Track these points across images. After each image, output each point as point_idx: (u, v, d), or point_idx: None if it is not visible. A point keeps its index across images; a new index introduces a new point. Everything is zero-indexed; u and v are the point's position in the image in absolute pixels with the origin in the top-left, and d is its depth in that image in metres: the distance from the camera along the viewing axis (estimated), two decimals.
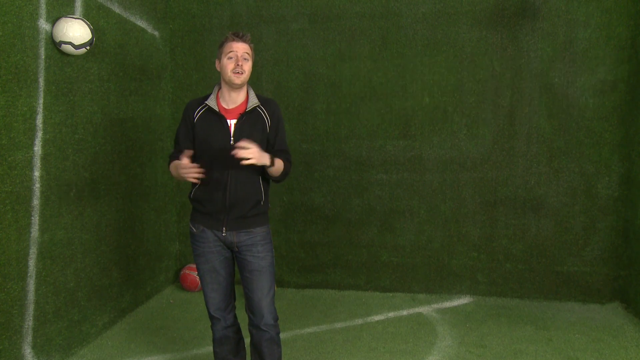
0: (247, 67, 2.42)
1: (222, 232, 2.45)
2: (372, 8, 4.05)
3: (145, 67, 3.95)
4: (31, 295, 2.87)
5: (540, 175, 3.96)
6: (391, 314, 3.80)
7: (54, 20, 2.97)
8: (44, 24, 2.91)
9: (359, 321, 3.69)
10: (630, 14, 3.73)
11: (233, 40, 2.41)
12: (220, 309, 2.57)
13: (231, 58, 2.39)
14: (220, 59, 2.44)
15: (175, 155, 2.48)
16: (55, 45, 2.98)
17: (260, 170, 2.46)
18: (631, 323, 3.61)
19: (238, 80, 2.39)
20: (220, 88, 2.50)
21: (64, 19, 2.98)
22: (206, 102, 2.45)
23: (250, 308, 2.51)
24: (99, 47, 3.38)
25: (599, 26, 3.78)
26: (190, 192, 2.51)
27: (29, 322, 2.85)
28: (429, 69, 4.02)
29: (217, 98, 2.48)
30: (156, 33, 4.12)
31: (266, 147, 2.47)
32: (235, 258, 2.55)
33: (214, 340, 2.65)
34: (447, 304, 3.99)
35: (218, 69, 2.46)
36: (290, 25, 4.16)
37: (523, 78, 3.92)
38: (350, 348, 3.28)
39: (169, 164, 2.59)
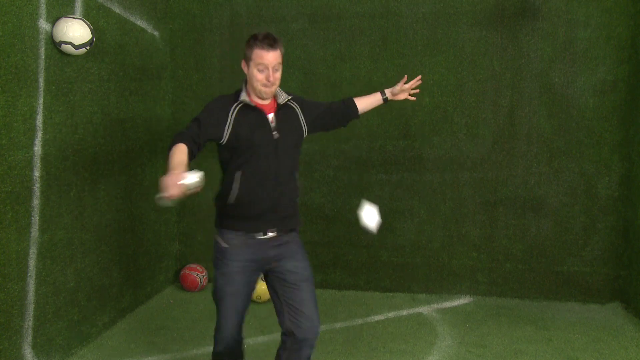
0: (278, 76, 2.29)
1: (267, 234, 2.30)
2: (372, 8, 4.05)
3: (145, 67, 3.95)
4: (31, 295, 2.86)
5: (540, 175, 3.96)
6: (391, 314, 3.80)
7: (54, 20, 2.97)
8: (44, 24, 2.91)
9: (359, 321, 3.69)
10: (630, 14, 3.73)
11: (263, 49, 2.23)
12: (232, 333, 2.41)
13: (262, 71, 2.25)
14: (248, 65, 2.29)
15: (186, 138, 2.20)
16: (55, 45, 2.98)
17: (297, 164, 2.43)
18: (631, 323, 3.61)
19: (269, 93, 2.30)
20: (247, 86, 2.36)
21: (64, 19, 2.98)
22: (240, 98, 2.31)
23: (299, 324, 2.28)
24: (99, 47, 3.38)
25: (599, 26, 3.78)
26: (226, 197, 2.30)
27: (29, 322, 2.85)
28: (429, 69, 4.02)
29: (248, 94, 2.35)
30: (156, 33, 4.12)
31: (302, 138, 2.47)
32: (271, 274, 2.38)
33: (216, 352, 2.50)
34: (447, 304, 3.99)
35: (245, 71, 2.33)
36: (290, 25, 4.16)
37: (523, 78, 3.92)
38: (350, 348, 3.28)
39: (173, 142, 2.20)
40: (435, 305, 3.97)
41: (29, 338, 2.85)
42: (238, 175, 2.28)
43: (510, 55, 3.91)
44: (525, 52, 3.89)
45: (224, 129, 2.26)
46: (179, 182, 1.91)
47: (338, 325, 3.62)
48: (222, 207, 2.35)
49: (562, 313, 3.80)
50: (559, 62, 3.86)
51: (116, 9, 3.57)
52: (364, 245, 4.26)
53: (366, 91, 4.10)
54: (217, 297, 2.37)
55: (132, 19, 3.77)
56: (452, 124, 4.03)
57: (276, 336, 3.43)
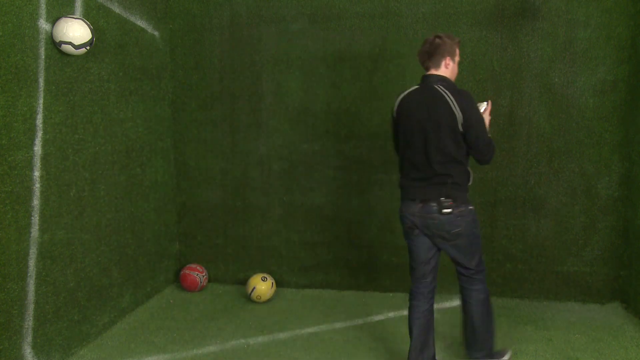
0: None
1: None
2: (372, 8, 4.05)
3: (145, 67, 3.95)
4: (31, 295, 2.87)
5: (540, 175, 3.96)
6: (391, 314, 3.80)
7: (54, 20, 2.97)
8: (44, 24, 2.91)
9: (359, 321, 3.69)
10: (630, 14, 3.72)
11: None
12: None
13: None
14: (454, 61, 2.78)
15: None
16: (55, 45, 2.98)
17: None
18: (631, 323, 3.61)
19: None
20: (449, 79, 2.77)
21: (64, 19, 2.98)
22: None
23: None
24: (99, 47, 3.38)
25: (599, 26, 3.78)
26: (469, 180, 2.84)
27: (29, 322, 2.85)
28: None
29: None
30: (156, 33, 4.12)
31: None
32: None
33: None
34: (447, 304, 3.98)
35: (449, 64, 2.75)
36: (290, 25, 4.16)
37: (523, 78, 3.92)
38: (350, 348, 3.28)
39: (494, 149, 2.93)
40: (435, 305, 3.95)
41: (29, 338, 2.86)
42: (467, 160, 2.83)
43: (510, 55, 3.91)
44: (525, 52, 3.89)
45: None
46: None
47: (338, 325, 3.62)
48: (466, 187, 2.84)
49: (562, 313, 3.80)
50: (559, 62, 3.86)
51: (116, 9, 3.57)
52: (364, 245, 4.26)
53: (366, 91, 4.12)
54: (478, 240, 2.93)
55: (132, 19, 3.77)
56: None
57: (276, 336, 3.43)
